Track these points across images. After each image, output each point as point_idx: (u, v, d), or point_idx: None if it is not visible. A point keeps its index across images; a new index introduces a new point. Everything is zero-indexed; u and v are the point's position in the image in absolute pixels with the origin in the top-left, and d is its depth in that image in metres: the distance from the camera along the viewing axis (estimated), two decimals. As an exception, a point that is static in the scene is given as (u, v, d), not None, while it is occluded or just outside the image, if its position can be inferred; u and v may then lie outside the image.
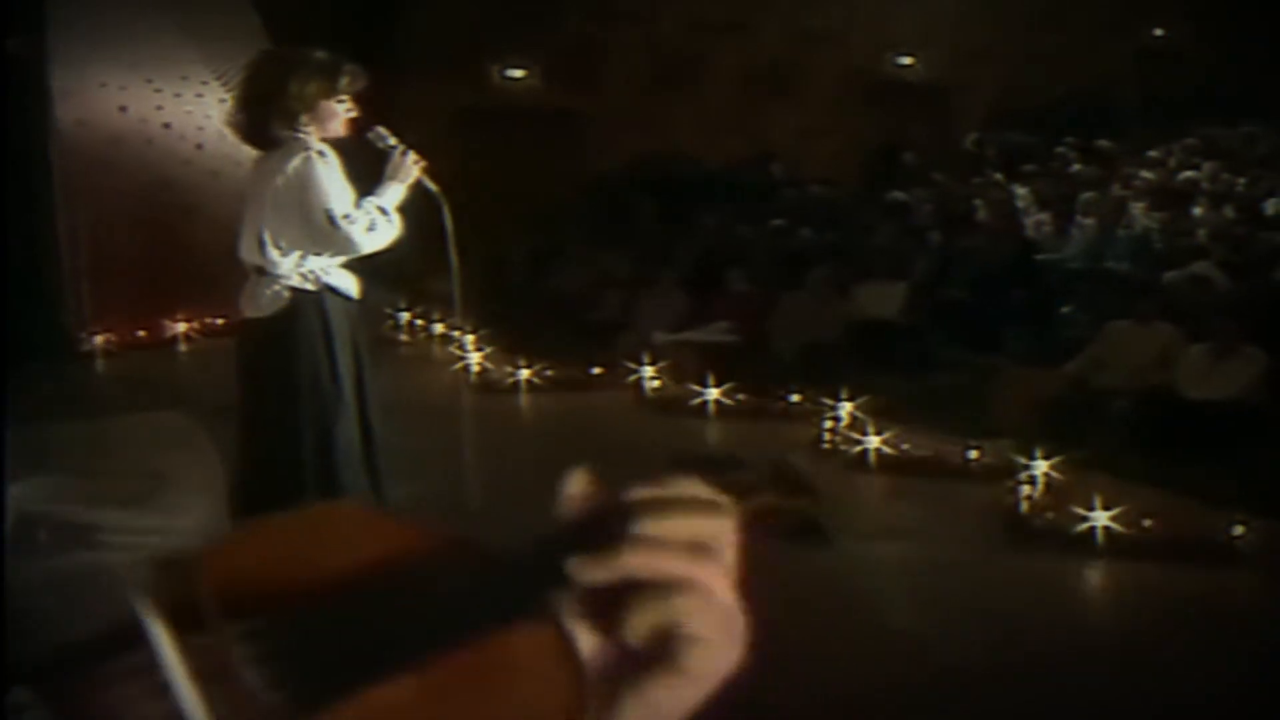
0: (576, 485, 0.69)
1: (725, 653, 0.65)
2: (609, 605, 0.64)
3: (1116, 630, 4.84)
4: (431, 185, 4.42)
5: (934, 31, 15.90)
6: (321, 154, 4.22)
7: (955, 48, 15.98)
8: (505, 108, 13.95)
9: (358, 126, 4.39)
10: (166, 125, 10.15)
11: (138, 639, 0.56)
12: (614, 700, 0.64)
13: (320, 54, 4.34)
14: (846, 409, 7.14)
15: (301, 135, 4.23)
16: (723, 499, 0.68)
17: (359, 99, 4.37)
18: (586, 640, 0.64)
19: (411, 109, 10.53)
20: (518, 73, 14.23)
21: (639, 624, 0.63)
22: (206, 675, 0.55)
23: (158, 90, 10.11)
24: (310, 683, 0.57)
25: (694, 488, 0.67)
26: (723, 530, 0.66)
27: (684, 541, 0.64)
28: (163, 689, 0.55)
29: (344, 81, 4.31)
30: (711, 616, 0.64)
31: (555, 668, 0.62)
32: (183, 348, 10.01)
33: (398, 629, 0.60)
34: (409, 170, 4.37)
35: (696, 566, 0.64)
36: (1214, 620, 4.84)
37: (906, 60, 16.22)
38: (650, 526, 0.64)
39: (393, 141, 4.43)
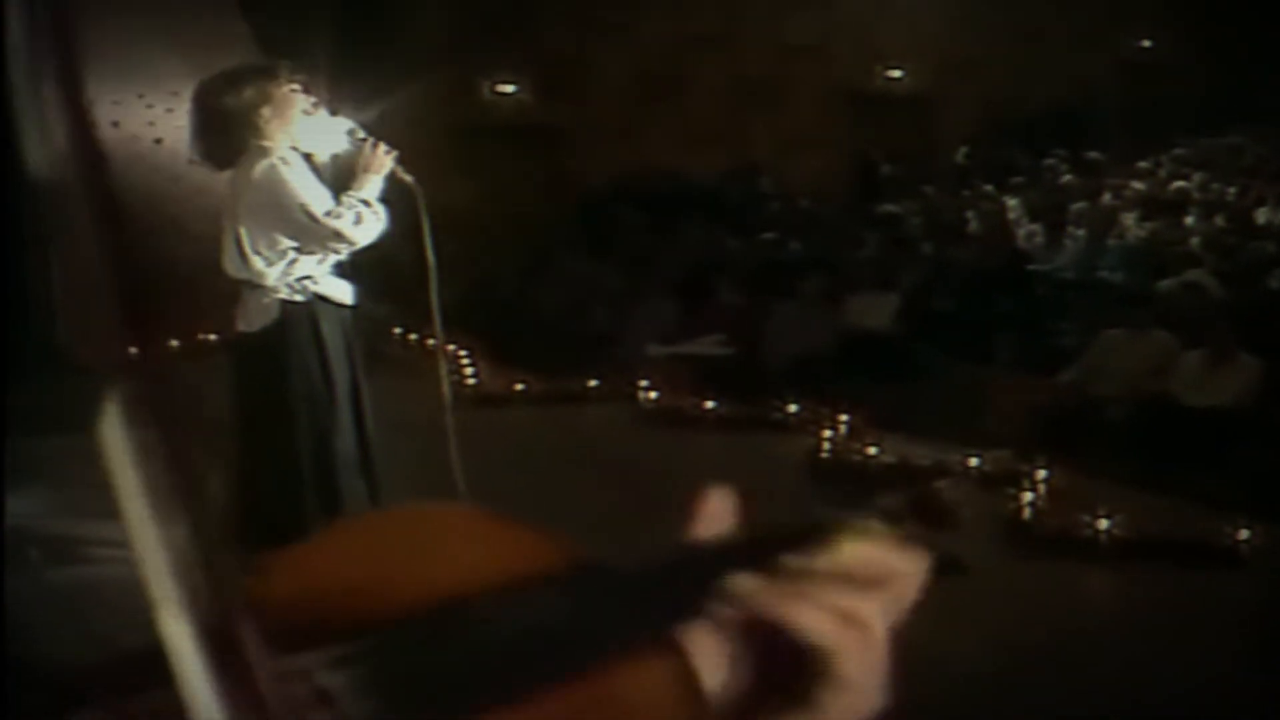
0: (716, 504, 0.61)
1: (867, 700, 0.59)
2: (751, 638, 0.57)
3: (1121, 635, 4.80)
4: (406, 176, 4.39)
5: (921, 44, 15.91)
6: (284, 160, 4.22)
7: (943, 60, 15.99)
8: (495, 123, 13.92)
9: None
10: (158, 141, 10.10)
11: (166, 671, 0.48)
12: None
13: (249, 62, 4.39)
14: (844, 419, 7.10)
15: (265, 143, 4.23)
16: (892, 536, 0.61)
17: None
18: (715, 673, 0.57)
19: (401, 123, 10.49)
20: (508, 88, 14.21)
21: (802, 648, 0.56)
22: (282, 707, 0.47)
23: (150, 106, 10.07)
24: (405, 715, 0.51)
25: (857, 523, 0.61)
26: (894, 569, 0.60)
27: (851, 575, 0.58)
28: None
29: (285, 71, 4.31)
30: (866, 660, 0.58)
31: (678, 704, 0.55)
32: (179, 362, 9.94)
33: (503, 654, 0.53)
34: (381, 160, 4.32)
35: (864, 603, 0.58)
36: (1219, 624, 4.82)
37: (894, 73, 16.22)
38: (814, 559, 0.58)
39: (361, 134, 4.40)
